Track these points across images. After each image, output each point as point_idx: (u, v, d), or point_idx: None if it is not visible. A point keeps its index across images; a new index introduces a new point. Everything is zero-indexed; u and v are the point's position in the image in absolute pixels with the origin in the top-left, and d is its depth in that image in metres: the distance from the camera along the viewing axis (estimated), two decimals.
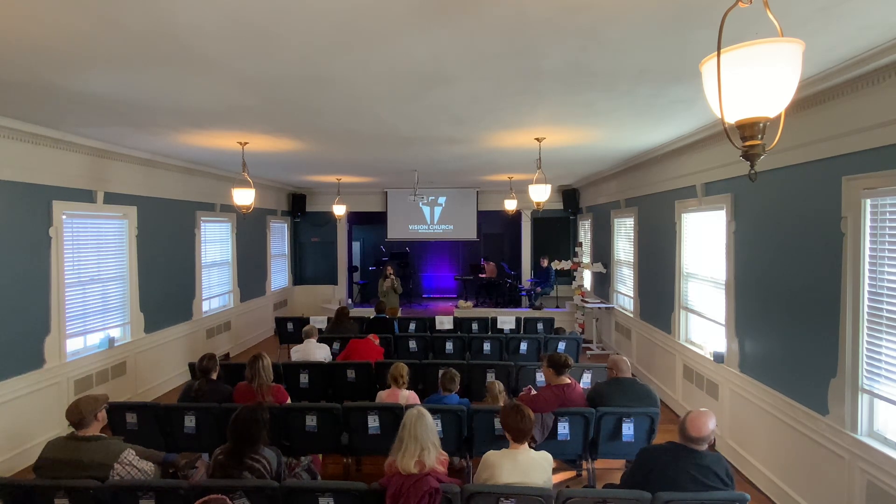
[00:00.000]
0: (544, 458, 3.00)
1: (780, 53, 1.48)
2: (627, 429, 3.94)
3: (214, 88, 3.60)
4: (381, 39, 2.74)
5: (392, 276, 9.26)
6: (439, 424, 3.62)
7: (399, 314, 8.85)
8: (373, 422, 3.95)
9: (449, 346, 6.44)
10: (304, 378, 5.22)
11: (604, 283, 9.45)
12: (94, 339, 5.82)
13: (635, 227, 7.58)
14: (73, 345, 5.45)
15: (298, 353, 5.74)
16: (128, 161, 6.14)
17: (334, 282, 12.43)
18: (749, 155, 1.57)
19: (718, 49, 1.51)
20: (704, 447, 2.78)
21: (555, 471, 3.56)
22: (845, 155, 3.35)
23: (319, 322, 7.59)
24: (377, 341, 5.95)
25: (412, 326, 7.65)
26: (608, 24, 2.54)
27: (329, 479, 4.22)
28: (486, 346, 6.36)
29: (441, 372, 4.51)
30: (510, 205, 8.54)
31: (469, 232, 12.31)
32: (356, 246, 14.70)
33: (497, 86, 3.60)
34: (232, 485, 2.74)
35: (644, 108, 4.22)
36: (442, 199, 12.20)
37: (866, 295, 3.23)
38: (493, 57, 3.01)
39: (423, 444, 2.79)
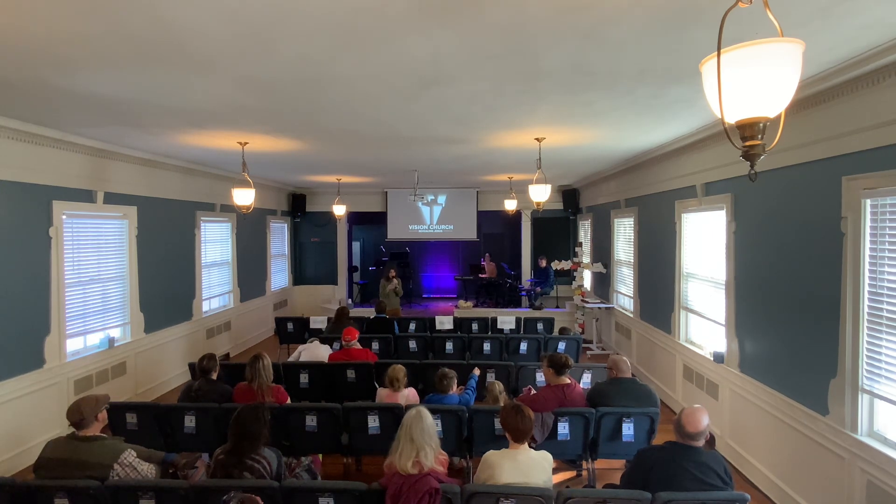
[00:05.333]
0: (544, 458, 3.00)
1: (780, 53, 1.48)
2: (627, 429, 3.94)
3: (214, 88, 3.60)
4: (381, 39, 2.74)
5: (395, 279, 9.30)
6: (439, 424, 3.62)
7: (400, 314, 8.88)
8: (373, 422, 3.95)
9: (449, 346, 6.43)
10: (304, 378, 5.22)
11: (604, 283, 9.45)
12: (94, 339, 5.82)
13: (635, 227, 7.58)
14: (73, 345, 5.45)
15: (307, 351, 5.73)
16: (128, 161, 6.15)
17: (334, 282, 12.43)
18: (749, 155, 1.56)
19: (718, 49, 1.51)
20: (701, 443, 2.79)
21: (555, 471, 3.56)
22: (845, 155, 3.35)
23: (319, 322, 7.60)
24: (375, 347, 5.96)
25: (412, 326, 7.65)
26: (608, 24, 2.54)
27: (329, 479, 4.22)
28: (486, 346, 6.36)
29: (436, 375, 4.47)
30: (510, 205, 8.54)
31: (469, 232, 12.31)
32: (356, 246, 14.70)
33: (497, 86, 3.60)
34: (232, 485, 2.73)
35: (644, 108, 4.22)
36: (442, 199, 12.19)
37: (866, 295, 3.23)
38: (492, 57, 3.01)
39: (420, 446, 2.79)
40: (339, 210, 9.96)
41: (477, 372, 4.94)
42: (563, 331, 6.99)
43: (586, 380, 5.16)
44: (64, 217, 5.25)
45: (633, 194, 7.64)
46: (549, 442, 3.89)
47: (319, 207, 11.99)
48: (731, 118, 1.57)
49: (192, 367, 5.13)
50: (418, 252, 14.91)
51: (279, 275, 11.53)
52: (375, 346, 6.34)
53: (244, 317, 9.53)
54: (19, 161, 4.68)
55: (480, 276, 12.64)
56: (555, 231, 12.07)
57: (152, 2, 2.28)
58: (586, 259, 10.39)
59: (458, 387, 4.46)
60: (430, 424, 2.91)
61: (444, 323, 7.49)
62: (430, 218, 12.32)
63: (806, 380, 3.75)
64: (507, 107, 4.17)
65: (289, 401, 4.30)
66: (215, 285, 8.60)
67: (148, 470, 3.01)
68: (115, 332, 6.12)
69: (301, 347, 5.88)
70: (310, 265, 12.54)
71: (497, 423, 3.82)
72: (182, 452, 3.71)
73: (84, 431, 2.95)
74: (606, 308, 8.94)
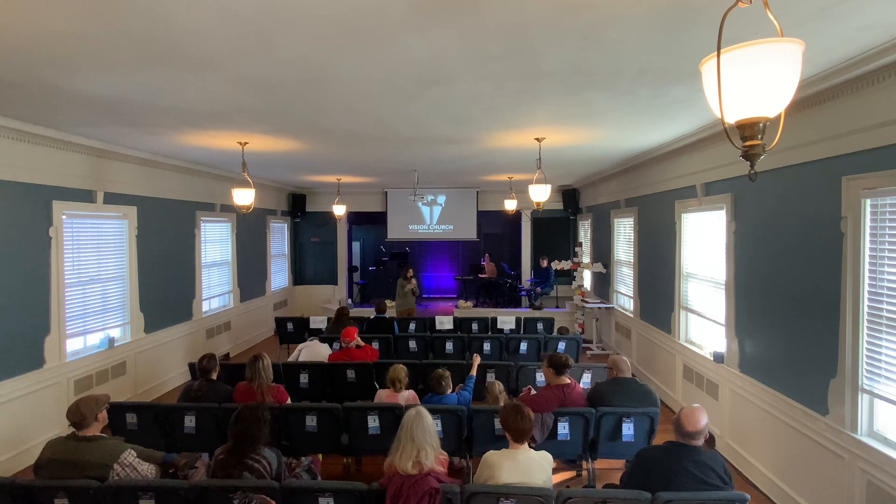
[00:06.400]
0: (544, 458, 3.00)
1: (780, 53, 1.48)
2: (627, 429, 3.94)
3: (214, 88, 3.60)
4: (381, 39, 2.74)
5: (413, 279, 9.35)
6: (439, 424, 3.62)
7: (415, 314, 8.91)
8: (373, 422, 3.95)
9: (449, 346, 6.43)
10: (304, 378, 5.22)
11: (604, 283, 9.45)
12: (94, 339, 5.82)
13: (635, 227, 7.58)
14: (73, 345, 5.45)
15: (308, 349, 5.73)
16: (128, 161, 6.15)
17: (334, 282, 12.43)
18: (749, 155, 1.56)
19: (718, 49, 1.51)
20: (701, 442, 2.79)
21: (555, 471, 3.56)
22: (845, 155, 3.35)
23: (319, 322, 7.60)
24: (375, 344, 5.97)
25: (412, 326, 7.65)
26: (608, 24, 2.54)
27: (329, 479, 4.22)
28: (486, 346, 6.36)
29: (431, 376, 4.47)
30: (510, 205, 8.54)
31: (469, 232, 12.31)
32: (356, 246, 14.70)
33: (497, 86, 3.60)
34: (232, 485, 2.74)
35: (644, 108, 4.22)
36: (442, 199, 12.19)
37: (866, 295, 3.23)
38: (492, 57, 3.01)
39: (420, 446, 2.79)
40: (339, 210, 9.96)
41: (477, 361, 4.94)
42: (562, 331, 7.00)
43: (586, 380, 5.16)
44: (64, 217, 5.24)
45: (633, 194, 7.64)
46: (549, 442, 3.89)
47: (319, 207, 11.99)
48: (731, 118, 1.57)
49: (192, 367, 5.13)
50: (418, 252, 14.92)
51: (279, 275, 11.52)
52: (375, 345, 6.34)
53: (244, 317, 9.53)
54: (19, 161, 4.68)
55: (480, 276, 12.63)
56: (555, 231, 12.07)
57: (152, 2, 2.28)
58: (586, 259, 10.39)
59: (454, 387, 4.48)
60: (430, 424, 2.91)
61: (444, 323, 7.48)
62: (430, 218, 12.32)
63: (806, 380, 3.75)
64: (506, 107, 4.17)
65: (289, 401, 4.29)
66: (215, 285, 8.59)
67: (148, 470, 3.02)
68: (115, 332, 6.12)
69: (301, 346, 5.88)
70: (310, 265, 12.54)
71: (497, 423, 3.82)
72: (182, 452, 3.71)
73: (84, 431, 2.95)
74: (606, 308, 8.94)
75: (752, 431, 4.43)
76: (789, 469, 3.93)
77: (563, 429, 3.91)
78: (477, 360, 5.00)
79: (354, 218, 13.12)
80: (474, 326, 7.67)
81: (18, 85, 3.47)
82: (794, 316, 3.90)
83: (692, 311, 5.82)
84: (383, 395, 4.38)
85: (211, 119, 4.54)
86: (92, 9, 2.33)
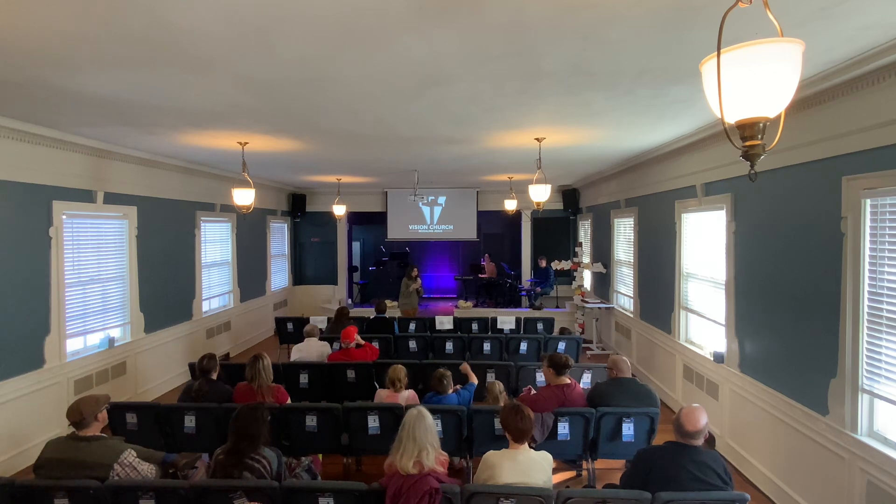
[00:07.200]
0: (544, 458, 3.00)
1: (780, 53, 1.48)
2: (627, 429, 3.94)
3: (214, 89, 3.60)
4: (381, 39, 2.74)
5: (418, 279, 9.34)
6: (439, 425, 3.62)
7: (416, 314, 8.91)
8: (373, 422, 3.95)
9: (449, 346, 6.43)
10: (304, 378, 5.22)
11: (604, 283, 9.45)
12: (94, 339, 5.82)
13: (635, 227, 7.58)
14: (73, 345, 5.45)
15: (301, 351, 5.74)
16: (128, 161, 6.15)
17: (334, 282, 12.43)
18: (749, 155, 1.56)
19: (718, 49, 1.51)
20: (700, 441, 2.80)
21: (555, 471, 3.56)
22: (845, 155, 3.35)
23: (319, 322, 7.59)
24: (375, 343, 5.97)
25: (412, 326, 7.65)
26: (608, 24, 2.54)
27: (329, 479, 4.22)
28: (486, 346, 6.36)
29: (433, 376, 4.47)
30: (510, 205, 8.54)
31: (469, 232, 12.31)
32: (356, 246, 14.70)
33: (497, 86, 3.60)
34: (232, 485, 2.74)
35: (644, 108, 4.22)
36: (442, 199, 12.19)
37: (866, 295, 3.23)
38: (492, 57, 3.01)
39: (422, 446, 2.79)
40: (339, 210, 9.96)
41: (466, 369, 4.90)
42: (563, 331, 6.99)
43: (586, 380, 5.16)
44: (64, 217, 5.24)
45: (633, 194, 7.64)
46: (549, 442, 3.89)
47: (319, 207, 11.99)
48: (731, 118, 1.57)
49: (192, 367, 5.13)
50: (418, 252, 14.91)
51: (279, 275, 11.52)
52: (375, 345, 6.34)
53: (244, 317, 9.53)
54: (19, 161, 4.68)
55: (480, 276, 12.63)
56: (555, 231, 12.06)
57: (152, 2, 2.28)
58: (586, 259, 10.39)
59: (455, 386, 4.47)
60: (431, 424, 2.91)
61: (444, 323, 7.48)
62: (430, 218, 12.32)
63: (806, 380, 3.75)
64: (506, 107, 4.17)
65: (289, 401, 4.30)
66: (215, 285, 8.59)
67: (148, 470, 3.01)
68: (115, 332, 6.12)
69: (297, 346, 5.87)
70: (310, 265, 12.54)
71: (497, 423, 3.82)
72: (182, 452, 3.70)
73: (84, 431, 2.95)
74: (606, 308, 8.94)
75: (752, 431, 4.43)
76: (789, 469, 3.93)
77: (563, 429, 3.91)
78: (465, 367, 4.92)
79: (354, 218, 13.12)
80: (474, 326, 7.67)
81: (18, 85, 3.47)
82: (794, 316, 3.90)
83: (692, 311, 5.82)
84: (383, 395, 4.38)
85: (211, 119, 4.54)
86: (92, 9, 2.33)
